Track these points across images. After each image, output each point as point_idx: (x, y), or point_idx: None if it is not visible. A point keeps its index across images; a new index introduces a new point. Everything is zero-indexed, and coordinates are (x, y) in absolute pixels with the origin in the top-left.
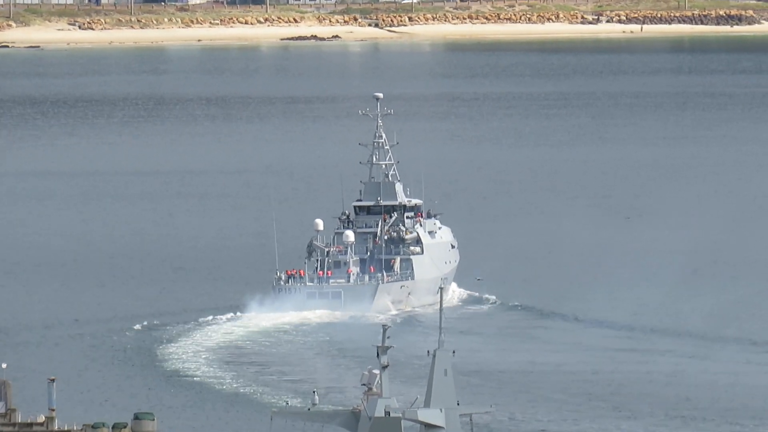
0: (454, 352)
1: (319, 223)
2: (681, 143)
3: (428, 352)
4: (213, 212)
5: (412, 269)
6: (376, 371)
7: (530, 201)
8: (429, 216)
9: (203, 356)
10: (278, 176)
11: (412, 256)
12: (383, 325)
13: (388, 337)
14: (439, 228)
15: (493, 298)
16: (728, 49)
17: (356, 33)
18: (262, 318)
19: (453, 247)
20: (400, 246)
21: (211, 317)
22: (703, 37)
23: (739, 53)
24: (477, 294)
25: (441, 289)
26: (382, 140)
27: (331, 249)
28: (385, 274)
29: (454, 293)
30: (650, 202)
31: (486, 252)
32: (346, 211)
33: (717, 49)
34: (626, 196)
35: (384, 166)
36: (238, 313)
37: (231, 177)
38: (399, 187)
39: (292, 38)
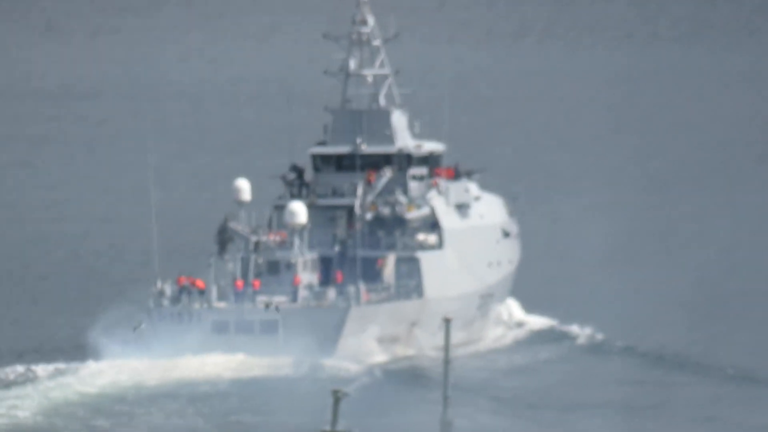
0: None
1: (243, 188)
2: None
3: None
4: (38, 172)
5: (421, 278)
6: None
7: (638, 146)
8: (459, 175)
9: None
10: (158, 101)
11: (419, 254)
12: (335, 392)
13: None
14: (477, 198)
15: (586, 332)
16: None
17: None
18: (118, 369)
19: (507, 234)
20: (397, 233)
21: (28, 369)
22: None
23: None
24: (555, 324)
25: (447, 321)
26: (368, 31)
27: (263, 238)
28: (364, 286)
29: (511, 322)
30: None
31: (568, 242)
32: (297, 165)
33: None
34: None
35: (370, 79)
36: (78, 362)
37: (66, 102)
38: (398, 119)
39: None
